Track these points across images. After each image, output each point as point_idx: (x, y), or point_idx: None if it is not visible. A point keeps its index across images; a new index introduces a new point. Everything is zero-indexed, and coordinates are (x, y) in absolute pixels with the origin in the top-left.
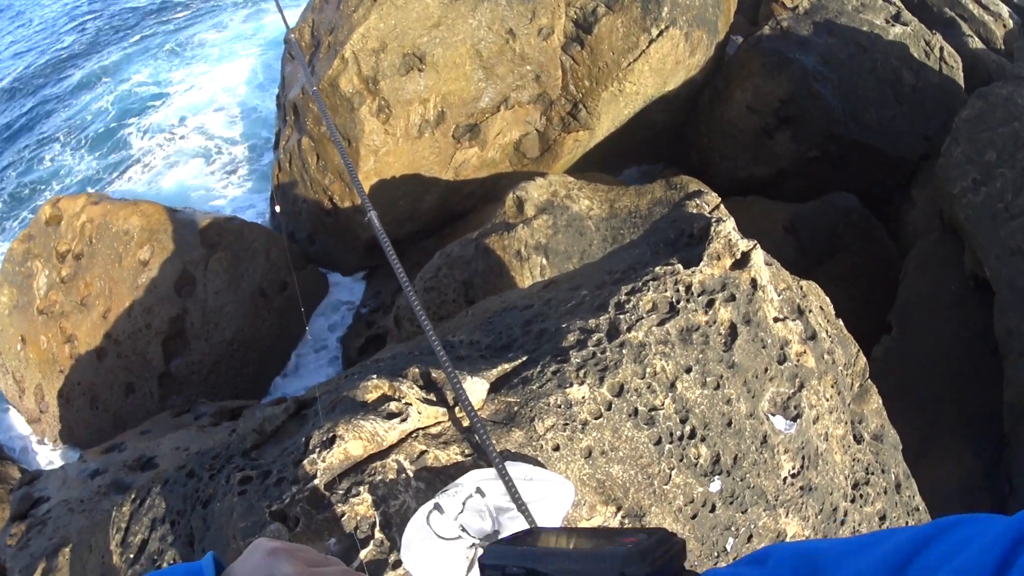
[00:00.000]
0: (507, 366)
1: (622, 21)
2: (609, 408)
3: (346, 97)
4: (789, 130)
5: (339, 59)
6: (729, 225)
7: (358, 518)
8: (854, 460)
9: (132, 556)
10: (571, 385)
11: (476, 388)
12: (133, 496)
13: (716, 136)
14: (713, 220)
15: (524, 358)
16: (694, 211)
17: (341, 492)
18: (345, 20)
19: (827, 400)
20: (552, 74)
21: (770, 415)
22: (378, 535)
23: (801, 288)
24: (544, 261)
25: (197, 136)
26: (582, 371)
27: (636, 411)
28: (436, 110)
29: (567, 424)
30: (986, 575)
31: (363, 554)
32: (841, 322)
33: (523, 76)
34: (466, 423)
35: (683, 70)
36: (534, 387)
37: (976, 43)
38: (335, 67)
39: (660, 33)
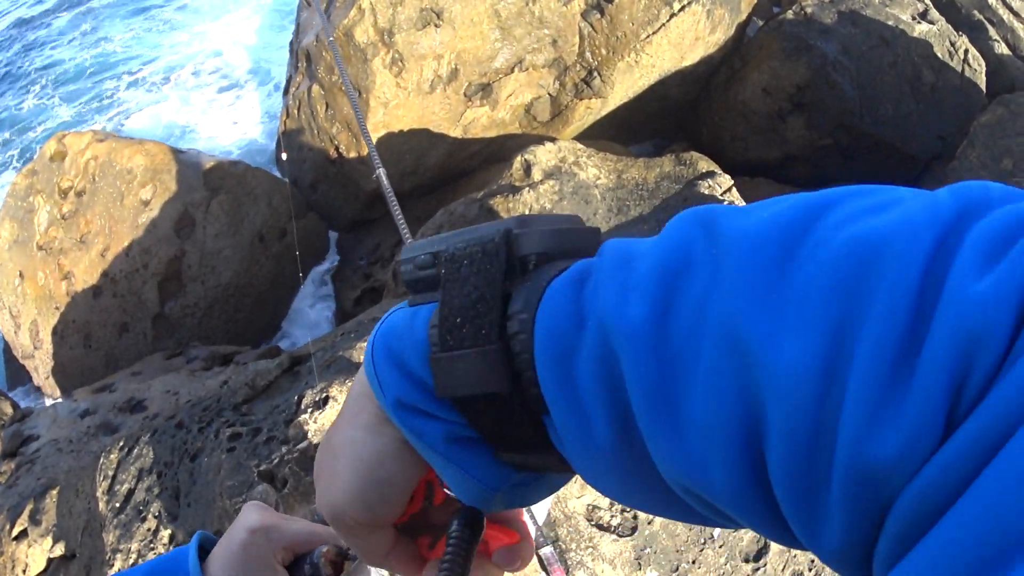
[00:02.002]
0: None
1: None
2: None
3: (360, 48)
4: (803, 116)
5: (356, 9)
6: None
7: None
8: None
9: (118, 505)
10: None
11: None
12: (121, 443)
13: (728, 115)
14: (725, 203)
15: None
16: (706, 192)
17: None
18: None
19: None
20: (569, 40)
21: None
22: None
23: None
24: None
25: (201, 79)
26: None
27: None
28: (450, 67)
29: None
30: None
31: None
32: None
33: (540, 39)
34: None
35: (702, 47)
36: None
37: (1002, 48)
38: (351, 17)
39: (682, 8)
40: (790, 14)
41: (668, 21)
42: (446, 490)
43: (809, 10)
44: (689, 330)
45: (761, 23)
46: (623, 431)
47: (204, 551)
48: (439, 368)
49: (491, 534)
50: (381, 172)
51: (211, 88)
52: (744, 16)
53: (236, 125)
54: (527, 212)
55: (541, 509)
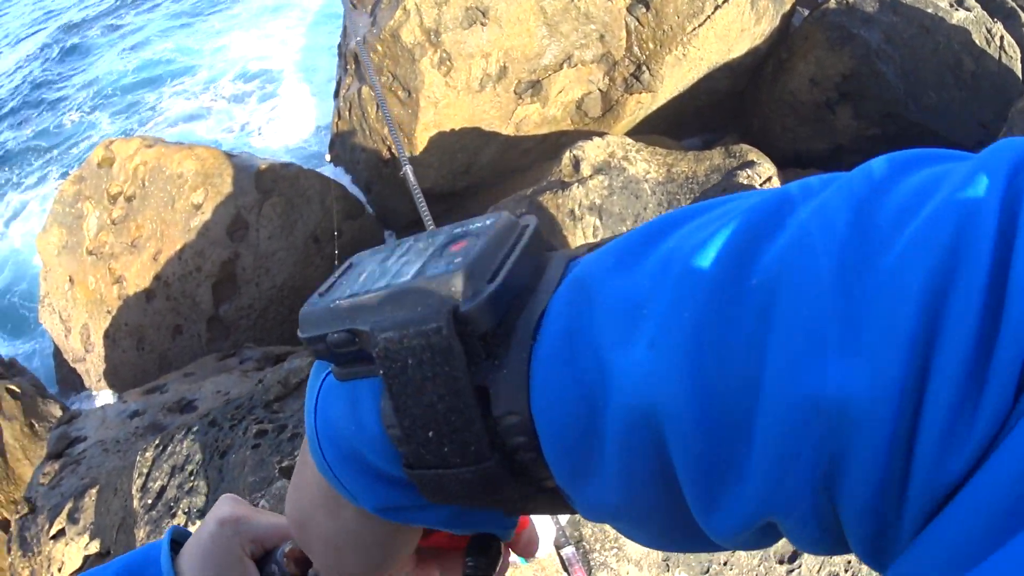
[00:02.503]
0: None
1: None
2: None
3: (408, 48)
4: (850, 106)
5: (401, 10)
6: None
7: None
8: None
9: (150, 502)
10: None
11: None
12: (157, 442)
13: (777, 106)
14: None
15: None
16: (744, 182)
17: None
18: None
19: None
20: (616, 34)
21: None
22: None
23: None
24: (598, 222)
25: (247, 85)
26: None
27: None
28: (498, 64)
29: None
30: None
31: None
32: None
33: (587, 35)
34: None
35: (748, 38)
36: None
37: None
38: (397, 18)
39: (726, 0)
40: (832, 3)
41: (713, 13)
42: None
43: None
44: (745, 389)
45: (806, 13)
46: (664, 497)
47: (180, 545)
48: (423, 482)
49: None
50: (408, 169)
51: (258, 93)
52: (788, 6)
53: (285, 128)
54: (576, 208)
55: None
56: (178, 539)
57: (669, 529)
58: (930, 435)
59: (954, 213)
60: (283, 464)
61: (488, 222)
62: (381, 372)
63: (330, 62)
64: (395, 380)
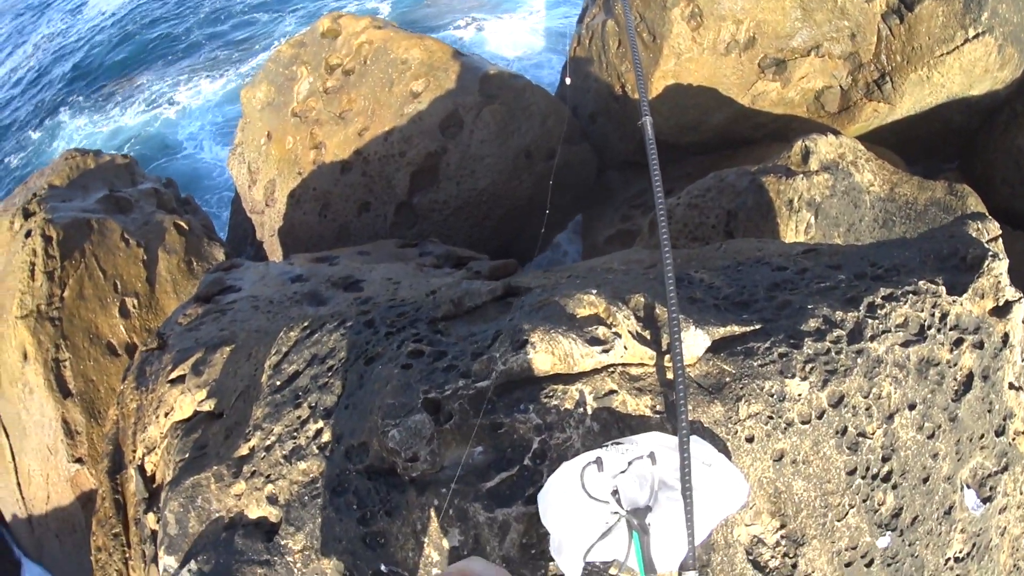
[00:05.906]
0: (736, 328)
1: (943, 10)
2: (820, 416)
3: None
4: None
5: None
6: (1003, 265)
7: (515, 437)
8: (1015, 567)
9: (278, 383)
10: (793, 376)
11: (695, 342)
12: (305, 324)
13: (1003, 157)
14: (990, 253)
15: (757, 326)
16: (974, 235)
17: (509, 403)
18: None
19: (1020, 494)
20: (867, 37)
21: (966, 486)
22: (527, 462)
23: None
24: (812, 220)
25: None
26: (809, 365)
27: (845, 430)
28: (748, 34)
29: (771, 418)
30: None
31: (500, 476)
32: None
33: (839, 29)
34: (670, 376)
35: (990, 80)
36: (755, 363)
37: None
38: None
39: (976, 35)
40: None
41: (962, 45)
42: None
43: None
44: None
45: None
46: None
47: None
48: None
49: None
50: (647, 120)
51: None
52: None
53: (519, 40)
54: (796, 200)
55: (705, 528)
56: None
57: None
58: None
59: None
60: (430, 395)
61: None
62: None
63: None
64: None
